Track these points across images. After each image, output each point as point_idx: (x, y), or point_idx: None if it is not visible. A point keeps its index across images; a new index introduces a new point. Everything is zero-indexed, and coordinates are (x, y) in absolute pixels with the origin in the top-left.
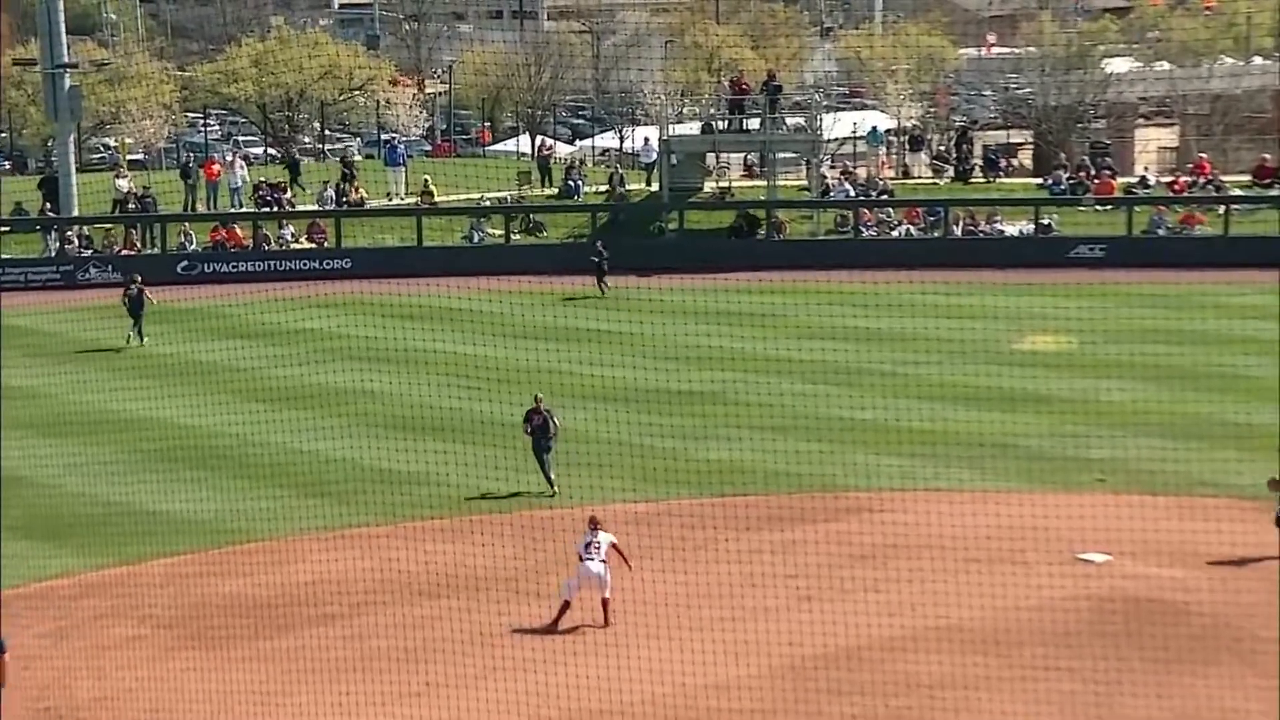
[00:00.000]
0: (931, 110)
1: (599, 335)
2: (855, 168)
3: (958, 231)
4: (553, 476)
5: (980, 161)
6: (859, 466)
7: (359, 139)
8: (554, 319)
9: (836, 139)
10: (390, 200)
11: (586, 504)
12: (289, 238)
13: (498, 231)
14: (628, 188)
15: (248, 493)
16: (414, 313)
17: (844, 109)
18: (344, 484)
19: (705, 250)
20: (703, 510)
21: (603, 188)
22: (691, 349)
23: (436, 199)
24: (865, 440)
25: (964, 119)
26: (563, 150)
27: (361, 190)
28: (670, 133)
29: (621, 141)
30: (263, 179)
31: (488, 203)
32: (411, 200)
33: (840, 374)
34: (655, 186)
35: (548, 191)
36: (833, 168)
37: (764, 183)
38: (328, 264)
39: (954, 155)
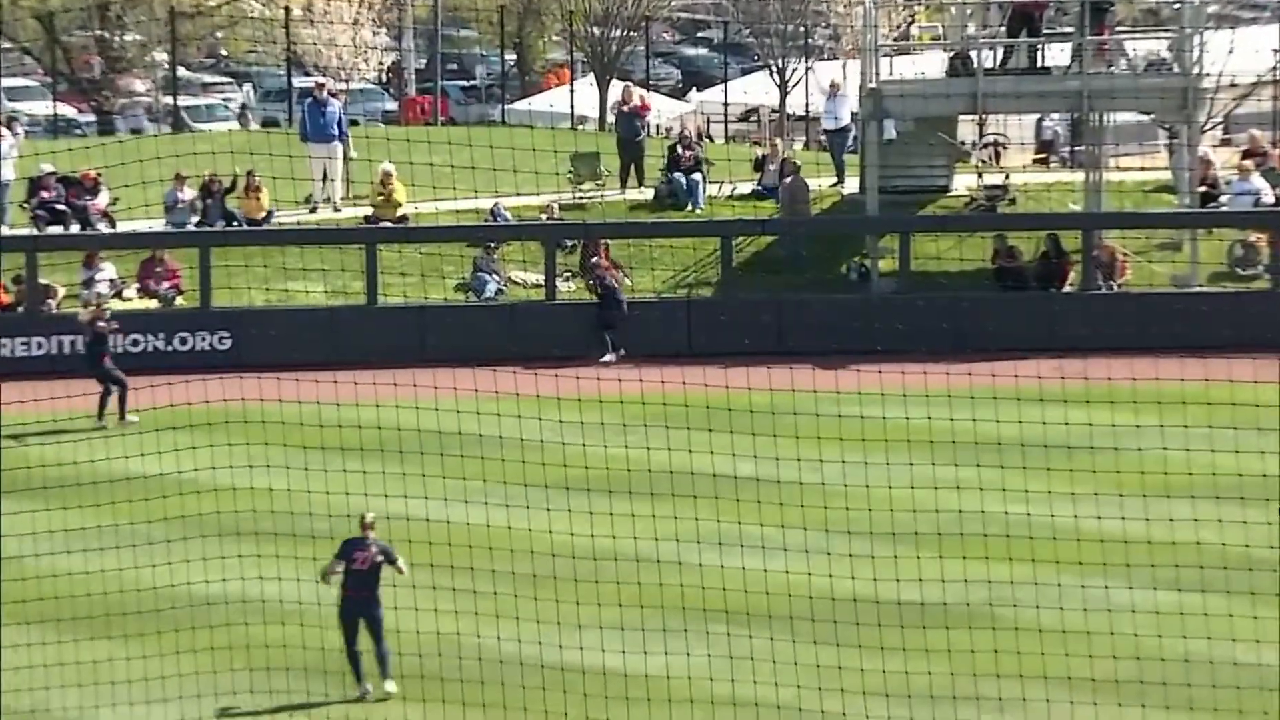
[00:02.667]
0: None
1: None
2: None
3: None
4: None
5: None
6: None
7: (250, 85)
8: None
9: (1237, 84)
10: (313, 211)
11: None
12: (106, 290)
13: (531, 277)
14: (789, 184)
15: None
16: (359, 446)
17: (1255, 19)
18: None
19: (949, 312)
20: None
21: (744, 187)
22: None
23: (404, 208)
24: None
25: None
26: (665, 108)
27: (259, 194)
28: (884, 74)
29: (783, 93)
30: (49, 169)
31: (508, 216)
32: (356, 211)
33: None
34: (848, 185)
35: (632, 194)
36: (1224, 143)
37: (1078, 177)
38: (184, 343)
39: None
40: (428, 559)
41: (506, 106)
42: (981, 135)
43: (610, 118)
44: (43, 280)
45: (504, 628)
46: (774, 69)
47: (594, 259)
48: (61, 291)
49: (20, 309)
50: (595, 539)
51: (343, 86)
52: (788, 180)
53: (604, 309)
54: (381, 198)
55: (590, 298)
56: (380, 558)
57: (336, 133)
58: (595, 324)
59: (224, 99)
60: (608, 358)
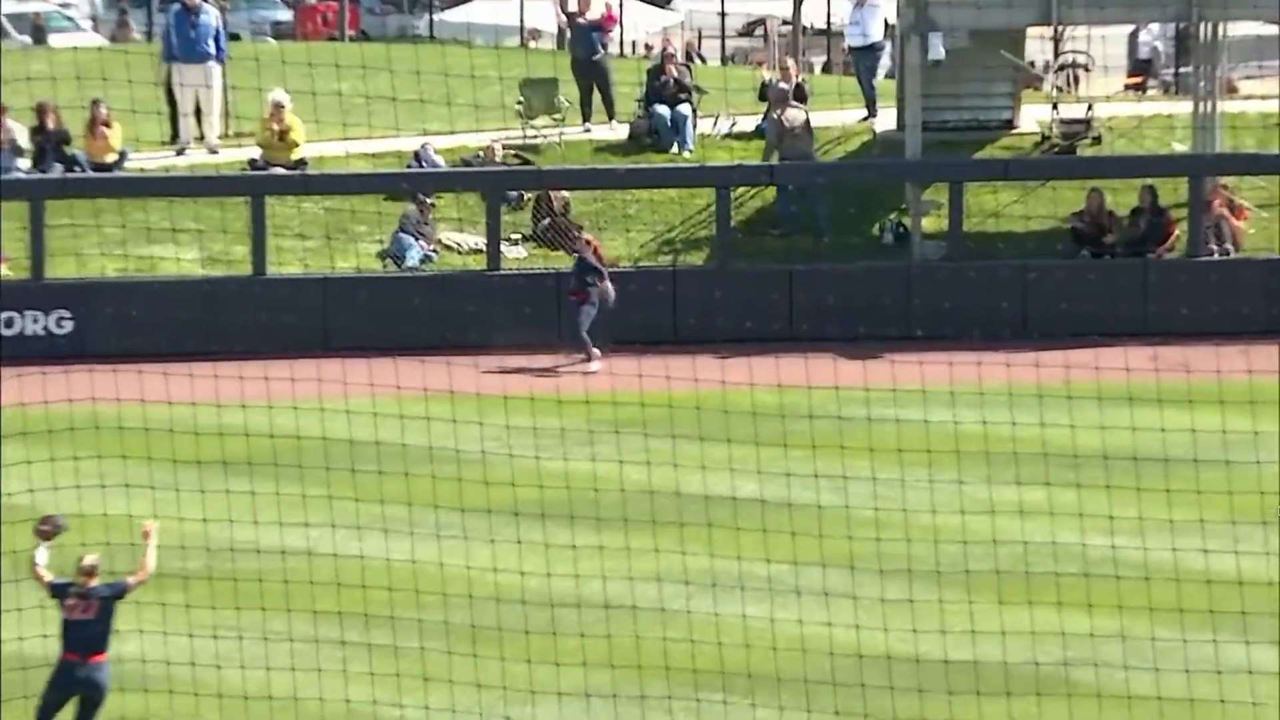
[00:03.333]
0: None
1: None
2: None
3: None
4: None
5: None
6: None
7: None
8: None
9: None
10: (181, 154)
11: None
12: None
13: (468, 240)
14: (781, 116)
15: None
16: (245, 460)
17: None
18: None
19: (1011, 286)
20: None
21: (746, 123)
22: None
23: (302, 150)
24: None
25: None
26: (643, 19)
27: (108, 130)
28: None
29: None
30: None
31: (438, 161)
32: (239, 154)
33: None
34: (881, 119)
35: (601, 132)
36: None
37: (1183, 108)
38: (9, 325)
39: None
40: (335, 605)
41: (436, 17)
42: (1057, 54)
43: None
44: None
45: (434, 695)
46: None
47: (563, 226)
48: None
49: None
50: (553, 579)
51: None
52: (779, 112)
53: (584, 301)
54: (273, 136)
55: (547, 265)
56: (108, 596)
57: (212, 50)
58: (574, 321)
59: (62, 4)
60: (594, 366)
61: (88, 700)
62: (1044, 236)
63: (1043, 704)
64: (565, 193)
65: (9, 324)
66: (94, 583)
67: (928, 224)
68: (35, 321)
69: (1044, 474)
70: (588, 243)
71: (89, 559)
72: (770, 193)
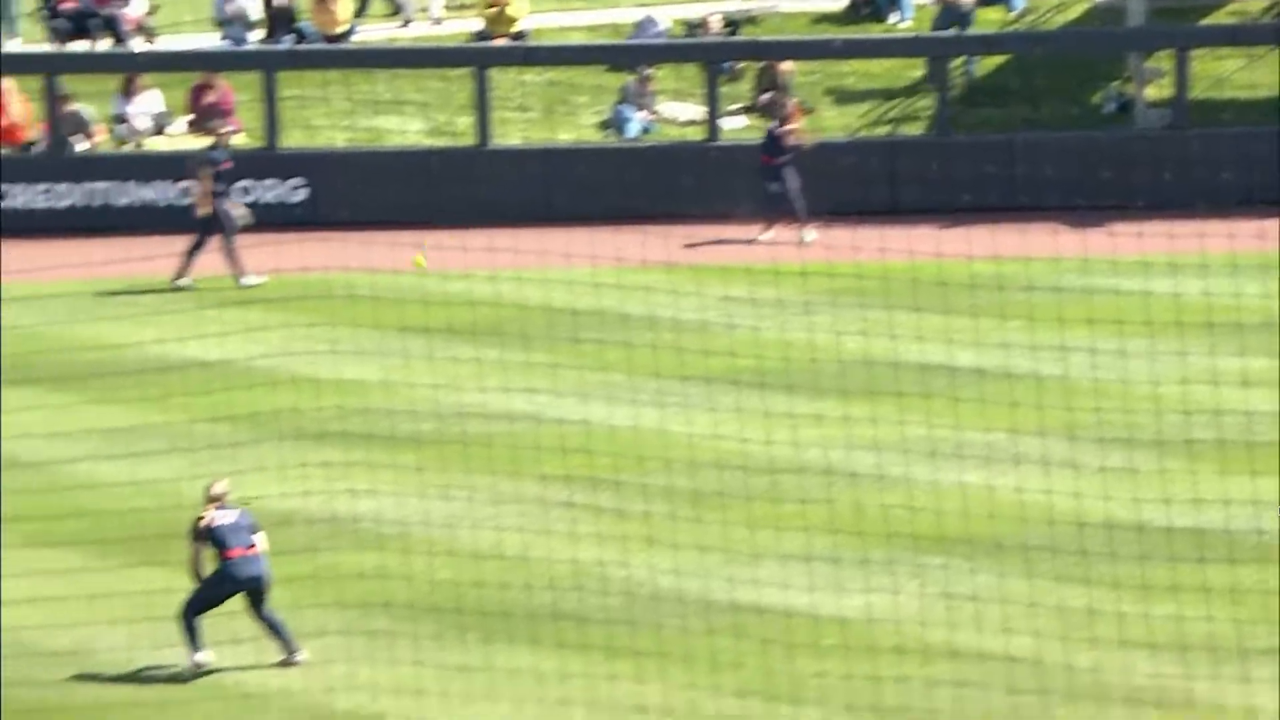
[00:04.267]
0: None
1: None
2: None
3: None
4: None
5: None
6: None
7: None
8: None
9: None
10: (405, 26)
11: None
12: (148, 124)
13: (687, 111)
14: None
15: None
16: (469, 328)
17: None
18: None
19: (1237, 154)
20: None
21: None
22: None
23: (523, 22)
24: None
25: None
26: None
27: (335, 2)
28: None
29: None
30: None
31: (661, 31)
32: (461, 26)
33: None
34: None
35: (818, 2)
36: None
37: None
38: (247, 194)
39: None
40: (562, 470)
41: None
42: None
43: None
44: (72, 107)
45: (658, 557)
46: None
47: (776, 108)
48: (95, 126)
49: (38, 148)
50: (773, 447)
51: None
52: None
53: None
54: (493, 9)
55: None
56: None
57: None
58: (782, 190)
59: None
60: (769, 233)
61: (254, 593)
62: (1270, 104)
63: (1265, 570)
64: (787, 64)
65: (247, 193)
66: (227, 502)
67: (1150, 93)
68: (270, 190)
69: (1268, 344)
70: (789, 117)
71: (218, 486)
72: (991, 61)
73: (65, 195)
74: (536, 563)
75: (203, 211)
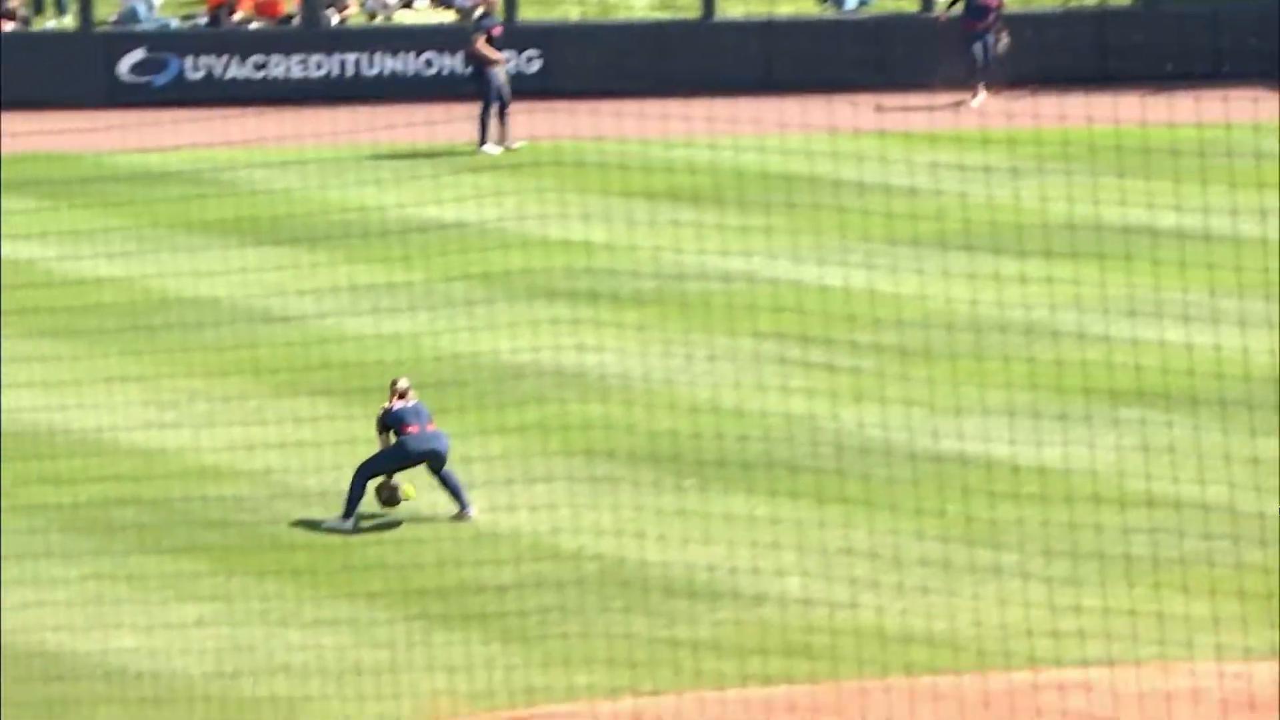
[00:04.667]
0: None
1: None
2: None
3: None
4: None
5: None
6: None
7: None
8: None
9: None
10: None
11: None
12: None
13: None
14: None
15: None
16: (690, 194)
17: None
18: None
19: None
20: None
21: None
22: None
23: None
24: None
25: None
26: None
27: None
28: None
29: None
30: None
31: None
32: None
33: None
34: None
35: None
36: None
37: None
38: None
39: None
40: (775, 327)
41: None
42: None
43: None
44: None
45: (866, 411)
46: None
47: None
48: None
49: (295, 21)
50: (977, 306)
51: None
52: None
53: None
54: None
55: None
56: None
57: None
58: (985, 53)
59: None
60: (978, 98)
61: (433, 463)
62: None
63: None
64: None
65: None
66: (409, 396)
67: None
68: (508, 61)
69: None
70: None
71: (402, 381)
72: None
73: (319, 65)
74: (751, 415)
75: (492, 67)
